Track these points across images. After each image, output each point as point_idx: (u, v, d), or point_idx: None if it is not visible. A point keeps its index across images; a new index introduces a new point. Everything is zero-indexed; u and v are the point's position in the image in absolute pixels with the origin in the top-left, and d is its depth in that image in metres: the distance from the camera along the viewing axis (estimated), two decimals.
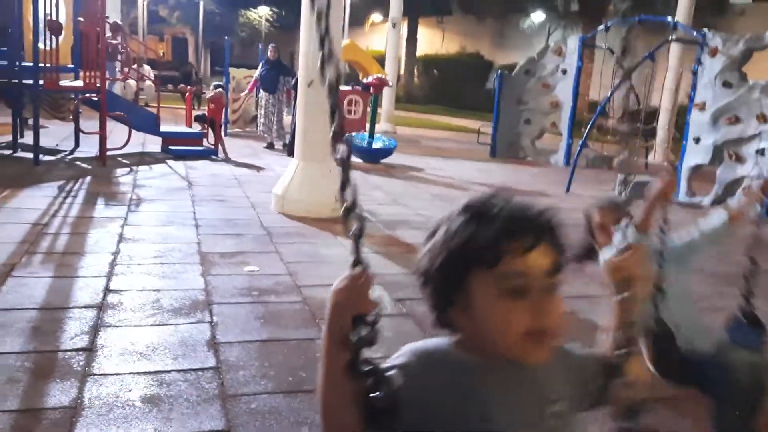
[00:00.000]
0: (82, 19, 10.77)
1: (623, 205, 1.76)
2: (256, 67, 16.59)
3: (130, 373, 3.44)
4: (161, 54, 35.75)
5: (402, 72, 34.14)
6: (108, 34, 11.89)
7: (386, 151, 12.75)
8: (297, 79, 10.48)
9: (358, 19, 37.05)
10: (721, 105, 10.49)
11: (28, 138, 10.63)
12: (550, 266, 1.24)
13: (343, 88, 13.99)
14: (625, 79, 6.45)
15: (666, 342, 3.18)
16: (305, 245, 6.29)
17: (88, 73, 10.36)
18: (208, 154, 11.96)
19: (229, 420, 3.07)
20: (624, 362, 1.46)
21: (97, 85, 10.23)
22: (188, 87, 19.22)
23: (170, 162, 10.96)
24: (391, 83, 17.73)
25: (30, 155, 9.77)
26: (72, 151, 11.23)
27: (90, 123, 11.18)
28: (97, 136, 10.41)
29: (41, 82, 9.63)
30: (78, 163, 10.27)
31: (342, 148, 1.28)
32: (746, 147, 10.21)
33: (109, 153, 10.36)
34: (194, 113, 14.20)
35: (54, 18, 9.78)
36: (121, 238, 6.06)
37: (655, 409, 3.54)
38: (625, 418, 1.49)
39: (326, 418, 1.28)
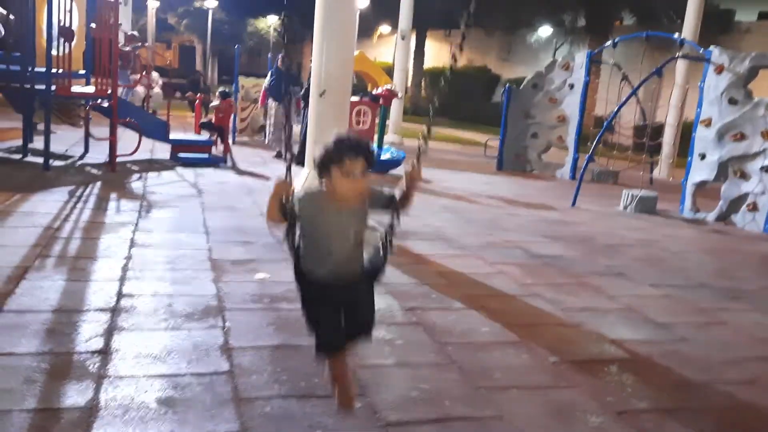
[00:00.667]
0: (94, 25, 10.85)
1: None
2: (263, 76, 16.67)
3: (145, 376, 3.48)
4: (168, 62, 35.84)
5: (409, 84, 34.22)
6: (121, 42, 12.01)
7: (395, 162, 12.78)
8: (306, 89, 10.54)
9: (366, 31, 37.15)
10: (727, 121, 10.55)
11: (38, 143, 10.70)
12: (363, 167, 2.87)
13: (352, 98, 14.05)
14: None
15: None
16: None
17: (99, 80, 10.44)
18: (217, 162, 12.02)
19: (243, 423, 3.12)
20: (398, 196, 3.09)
21: (109, 91, 10.31)
22: (197, 95, 19.30)
23: (179, 169, 11.03)
24: (400, 95, 17.79)
25: (40, 160, 9.83)
26: (82, 157, 11.30)
27: (99, 129, 11.25)
28: (106, 143, 10.49)
29: (53, 87, 9.70)
30: (88, 168, 10.33)
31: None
32: (751, 164, 10.26)
33: (118, 159, 10.44)
34: (201, 120, 14.24)
35: (67, 24, 9.87)
36: (132, 243, 6.12)
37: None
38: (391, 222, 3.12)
39: (268, 214, 2.98)
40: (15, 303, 4.38)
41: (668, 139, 16.51)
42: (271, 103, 14.61)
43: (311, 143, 8.02)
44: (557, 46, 33.25)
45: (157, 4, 37.09)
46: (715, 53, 10.92)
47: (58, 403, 3.15)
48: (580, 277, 6.45)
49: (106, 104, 10.55)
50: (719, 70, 10.75)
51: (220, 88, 15.75)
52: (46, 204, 7.45)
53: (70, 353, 3.69)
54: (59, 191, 8.25)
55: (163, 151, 12.21)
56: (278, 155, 14.00)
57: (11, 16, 10.02)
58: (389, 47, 33.51)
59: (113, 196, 8.41)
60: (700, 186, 11.08)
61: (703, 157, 10.95)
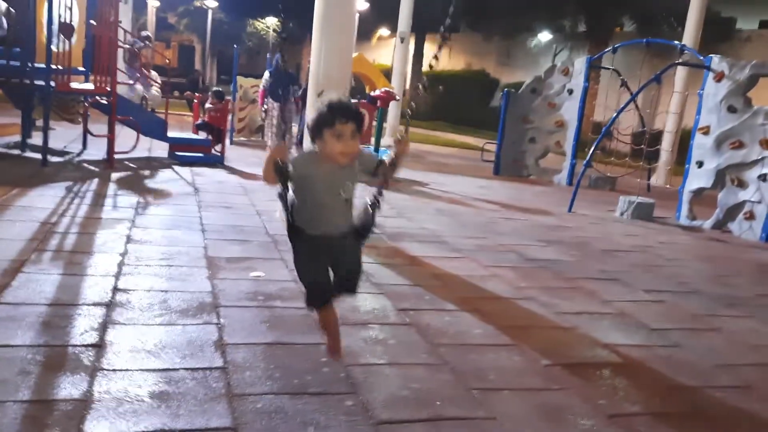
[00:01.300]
0: (94, 22, 10.86)
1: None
2: (262, 77, 16.67)
3: (139, 370, 3.49)
4: (167, 61, 35.89)
5: (408, 87, 34.24)
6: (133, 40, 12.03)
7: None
8: (304, 89, 10.55)
9: (365, 33, 37.19)
10: (726, 129, 10.58)
11: (36, 139, 10.72)
12: (353, 130, 3.16)
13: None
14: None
15: None
16: None
17: (99, 77, 10.44)
18: (215, 162, 12.03)
19: (236, 418, 3.12)
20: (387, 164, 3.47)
21: (108, 88, 10.32)
22: (195, 94, 19.31)
23: (177, 168, 11.05)
24: (398, 97, 17.82)
25: (38, 156, 9.85)
26: (80, 154, 11.32)
27: (98, 126, 11.26)
28: (104, 140, 10.51)
29: (53, 83, 9.71)
30: (86, 165, 10.35)
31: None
32: (748, 172, 10.29)
33: (116, 156, 10.44)
34: (197, 122, 14.21)
35: (67, 21, 9.87)
36: (128, 240, 6.13)
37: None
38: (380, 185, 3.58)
39: (264, 176, 3.21)
40: (11, 295, 4.38)
41: (666, 146, 16.54)
42: (271, 104, 14.59)
43: (308, 143, 8.02)
44: (557, 52, 33.30)
45: (157, 3, 37.07)
46: (715, 61, 10.95)
47: (52, 395, 3.16)
48: (574, 282, 6.47)
49: (105, 101, 10.55)
50: (719, 77, 10.78)
51: (214, 88, 15.75)
52: (43, 199, 7.46)
53: (64, 346, 3.70)
54: (57, 187, 8.26)
55: (161, 149, 12.22)
56: None
57: (12, 10, 10.03)
58: (388, 50, 33.48)
59: (110, 192, 8.42)
60: (697, 193, 11.10)
61: (700, 164, 10.98)
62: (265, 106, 14.35)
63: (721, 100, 10.69)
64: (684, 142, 13.31)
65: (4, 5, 9.95)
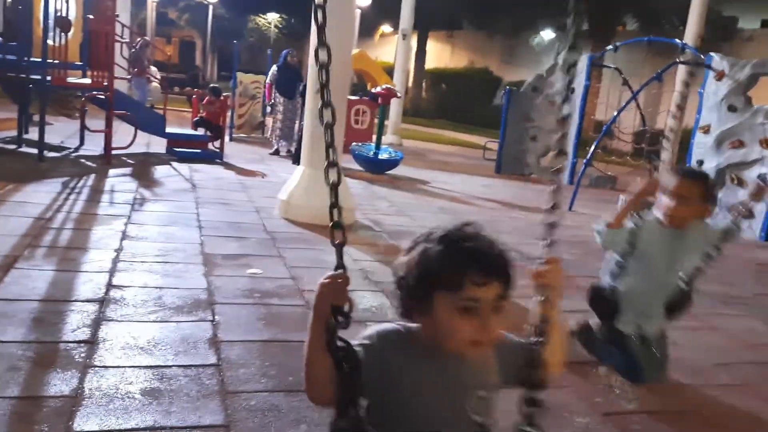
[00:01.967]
0: (91, 17, 10.81)
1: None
2: (262, 73, 16.60)
3: (131, 367, 3.45)
4: (168, 56, 35.82)
5: (410, 85, 34.22)
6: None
7: (392, 163, 12.76)
8: (304, 86, 10.50)
9: (368, 30, 37.17)
10: (726, 128, 10.53)
11: (33, 134, 10.67)
12: (498, 296, 1.63)
13: (350, 97, 14.01)
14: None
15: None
16: (309, 251, 6.28)
17: (96, 72, 10.39)
18: (213, 158, 11.99)
19: (229, 415, 3.08)
20: (539, 349, 1.77)
21: (105, 83, 10.28)
22: (195, 90, 19.28)
23: (175, 164, 11.00)
24: (399, 94, 17.78)
25: (35, 151, 9.79)
26: (77, 149, 11.28)
27: (95, 121, 11.22)
28: (101, 135, 10.46)
29: (49, 78, 9.66)
30: (83, 160, 10.31)
31: (334, 173, 1.73)
32: (748, 171, 10.25)
33: (113, 152, 10.40)
34: (195, 118, 14.18)
35: (64, 15, 9.83)
36: (124, 236, 6.08)
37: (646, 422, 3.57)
38: (532, 392, 1.81)
39: (308, 380, 1.66)
40: (3, 291, 4.34)
41: (667, 145, 16.47)
42: (279, 98, 14.41)
43: (307, 141, 7.98)
44: (559, 50, 33.26)
45: None
46: (716, 59, 10.91)
47: (42, 392, 3.11)
48: (573, 280, 6.42)
49: (103, 96, 10.50)
50: (720, 76, 10.73)
51: (211, 85, 15.71)
52: (39, 194, 7.41)
53: (56, 342, 3.65)
54: (53, 182, 8.21)
55: (159, 145, 12.18)
56: (275, 152, 13.92)
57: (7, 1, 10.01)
58: (391, 47, 33.47)
59: (107, 188, 8.39)
60: None
61: (700, 163, 10.93)
62: (272, 101, 14.32)
63: (722, 99, 10.65)
64: (685, 141, 13.25)
65: None
